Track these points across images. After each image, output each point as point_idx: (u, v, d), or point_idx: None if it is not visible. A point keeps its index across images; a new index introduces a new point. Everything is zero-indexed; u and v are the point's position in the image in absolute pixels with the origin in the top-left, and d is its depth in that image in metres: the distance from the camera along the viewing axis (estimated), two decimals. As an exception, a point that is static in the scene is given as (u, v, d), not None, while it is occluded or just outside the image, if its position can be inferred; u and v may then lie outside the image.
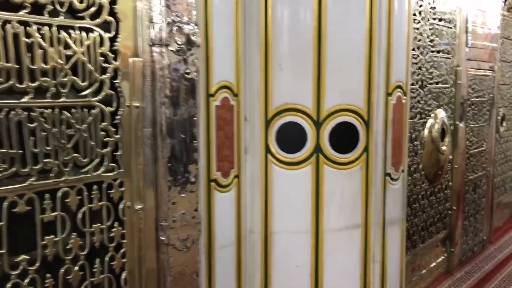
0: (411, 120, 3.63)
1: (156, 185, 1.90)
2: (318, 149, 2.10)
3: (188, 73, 1.91)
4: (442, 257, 4.32)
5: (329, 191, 2.12)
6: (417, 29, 3.63)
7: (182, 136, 1.92)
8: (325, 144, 2.10)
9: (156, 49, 1.84)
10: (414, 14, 3.58)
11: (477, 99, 4.61)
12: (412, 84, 3.63)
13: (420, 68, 3.70)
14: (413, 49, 3.60)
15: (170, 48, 1.86)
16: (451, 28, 4.10)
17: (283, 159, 2.12)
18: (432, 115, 3.93)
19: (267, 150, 2.14)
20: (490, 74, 4.84)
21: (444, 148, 4.01)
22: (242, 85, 2.15)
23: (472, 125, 4.57)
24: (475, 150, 4.68)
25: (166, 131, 1.88)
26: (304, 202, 2.12)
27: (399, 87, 2.21)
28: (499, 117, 5.21)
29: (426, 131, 3.86)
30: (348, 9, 2.06)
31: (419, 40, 3.66)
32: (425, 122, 3.85)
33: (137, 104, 1.82)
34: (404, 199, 2.43)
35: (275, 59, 2.09)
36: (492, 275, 4.43)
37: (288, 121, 2.10)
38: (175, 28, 1.86)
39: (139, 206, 1.86)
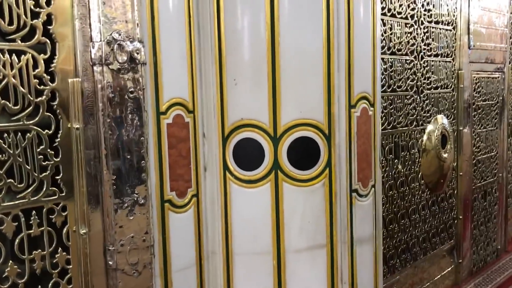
0: (406, 128, 3.48)
1: (102, 208, 1.84)
2: (276, 166, 2.00)
3: (132, 92, 1.84)
4: (449, 269, 4.12)
5: (290, 209, 2.01)
6: (410, 33, 3.48)
7: (128, 156, 1.85)
8: (284, 160, 1.99)
9: (96, 68, 1.78)
10: (406, 18, 3.43)
11: (484, 102, 4.40)
12: (406, 90, 3.47)
13: (415, 73, 3.54)
14: (406, 54, 3.45)
15: (111, 67, 1.79)
16: (450, 30, 3.92)
17: (241, 176, 2.03)
18: (432, 121, 3.76)
19: (225, 167, 2.05)
20: (499, 75, 4.62)
21: (445, 155, 3.83)
22: (198, 101, 2.07)
23: (479, 130, 4.36)
24: (484, 156, 4.46)
25: (111, 152, 1.81)
26: (264, 221, 2.01)
27: (364, 98, 2.09)
28: (511, 121, 4.96)
29: (425, 138, 3.69)
30: (303, 18, 1.95)
31: (413, 45, 3.51)
32: (424, 129, 3.69)
33: (78, 126, 1.76)
34: (379, 215, 2.30)
35: (229, 73, 2.00)
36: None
37: (245, 137, 2.00)
38: (116, 46, 1.80)
39: (84, 231, 1.80)
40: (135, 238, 1.88)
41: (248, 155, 2.02)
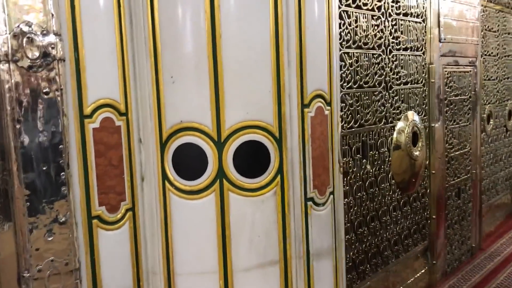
0: (374, 126, 3.24)
1: (14, 228, 1.56)
2: (221, 174, 1.74)
3: (47, 93, 1.56)
4: (423, 271, 3.91)
5: (237, 223, 1.75)
6: (377, 26, 3.24)
7: (44, 168, 1.57)
8: (229, 168, 1.73)
9: (2, 66, 1.50)
10: (372, 10, 3.19)
11: (456, 97, 4.20)
12: (374, 86, 3.24)
13: (383, 68, 3.31)
14: (373, 48, 3.21)
15: (20, 64, 1.51)
16: (420, 22, 3.70)
17: (182, 187, 1.76)
18: (402, 118, 3.54)
19: (164, 177, 1.78)
20: (471, 70, 4.42)
21: (417, 153, 3.61)
22: (133, 102, 1.80)
23: (452, 126, 4.16)
24: (457, 153, 4.26)
25: (23, 164, 1.53)
26: (209, 237, 1.75)
27: (319, 96, 1.83)
28: (484, 115, 4.77)
29: (395, 136, 3.47)
30: (247, 6, 1.68)
31: (380, 38, 3.27)
32: (394, 127, 3.46)
33: (-20, 134, 1.48)
34: (340, 224, 2.05)
35: (166, 69, 1.73)
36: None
37: (185, 142, 1.74)
38: (25, 40, 1.51)
39: (-7, 256, 1.52)
40: (56, 262, 1.60)
41: (189, 162, 1.76)
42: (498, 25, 5.02)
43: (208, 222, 1.75)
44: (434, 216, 3.96)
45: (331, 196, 1.93)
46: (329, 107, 1.89)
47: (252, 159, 1.75)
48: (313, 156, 1.82)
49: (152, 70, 1.75)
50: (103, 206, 1.72)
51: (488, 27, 4.79)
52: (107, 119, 1.71)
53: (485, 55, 4.75)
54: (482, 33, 4.65)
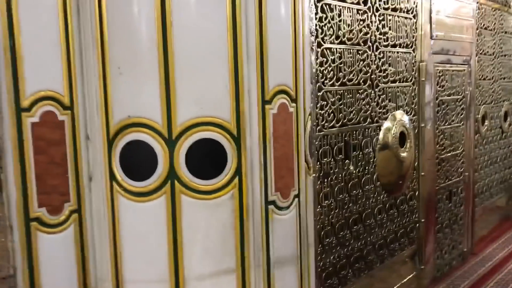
0: (358, 125, 3.08)
1: None
2: (172, 175, 1.59)
3: (-24, 83, 1.41)
4: (410, 276, 3.75)
5: (190, 228, 1.60)
6: (363, 21, 3.08)
7: (-27, 166, 1.42)
8: (182, 168, 1.58)
9: None
10: (358, 3, 3.03)
11: (448, 97, 4.03)
12: (358, 84, 3.08)
13: (368, 65, 3.15)
14: (358, 44, 3.05)
15: None
16: (410, 18, 3.53)
17: (131, 188, 1.61)
18: (389, 117, 3.37)
19: (112, 177, 1.64)
20: (465, 68, 4.25)
21: (404, 154, 3.45)
22: (79, 95, 1.65)
23: (444, 127, 3.99)
24: (449, 154, 4.09)
25: None
26: (159, 243, 1.61)
27: (282, 92, 1.68)
28: (478, 116, 4.60)
29: (380, 136, 3.31)
30: (200, -8, 1.54)
31: (366, 34, 3.11)
32: (380, 126, 3.30)
33: None
34: (309, 229, 1.90)
35: (113, 60, 1.58)
36: (469, 294, 3.85)
37: (134, 140, 1.59)
38: (-50, 24, 1.37)
39: None
40: (-14, 269, 1.46)
41: (137, 162, 1.61)
42: (495, 24, 4.84)
43: (158, 226, 1.61)
44: (423, 220, 3.80)
45: (296, 199, 1.78)
46: (294, 104, 1.74)
47: (207, 159, 1.60)
48: (275, 157, 1.67)
49: (99, 61, 1.61)
50: (44, 207, 1.57)
51: (484, 25, 4.62)
52: (48, 113, 1.57)
53: (481, 54, 4.58)
54: (478, 31, 4.48)
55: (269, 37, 1.63)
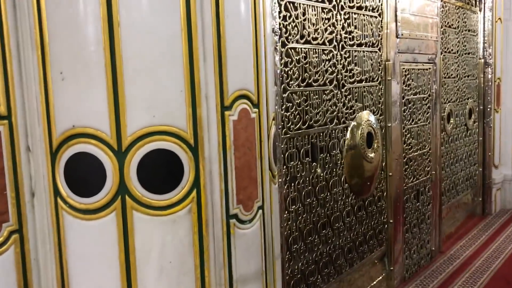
0: (324, 127, 2.98)
1: None
2: (123, 189, 1.44)
3: None
4: (380, 278, 3.69)
5: (144, 247, 1.45)
6: (328, 19, 2.98)
7: None
8: (133, 182, 1.43)
9: None
10: (323, 2, 2.93)
11: (414, 96, 3.98)
12: (324, 85, 2.98)
13: (334, 65, 3.05)
14: (323, 43, 2.95)
15: None
16: (376, 17, 3.45)
17: (77, 205, 1.45)
18: (355, 118, 3.29)
19: (57, 192, 1.48)
20: (430, 67, 4.22)
21: (371, 155, 3.38)
22: (17, 103, 1.48)
23: (410, 126, 3.94)
24: (416, 153, 4.05)
25: None
26: (110, 264, 1.45)
27: (243, 97, 1.55)
28: (444, 114, 4.59)
29: (347, 137, 3.22)
30: (150, -11, 1.39)
31: (331, 33, 3.01)
32: (347, 127, 3.21)
33: None
34: (274, 242, 1.78)
35: (54, 64, 1.42)
36: (438, 293, 3.82)
37: (79, 152, 1.43)
38: None
39: None
40: None
41: (84, 176, 1.45)
42: (459, 22, 4.84)
43: (108, 246, 1.45)
44: (391, 220, 3.74)
45: (260, 210, 1.65)
46: (256, 109, 1.61)
47: (161, 172, 1.46)
48: (236, 166, 1.54)
49: (40, 65, 1.44)
50: (-23, 229, 1.40)
51: (448, 23, 4.60)
52: (-20, 124, 1.39)
53: (445, 52, 4.56)
54: (442, 29, 4.45)
55: (228, 37, 1.49)
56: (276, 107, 2.52)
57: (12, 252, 1.48)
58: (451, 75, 4.75)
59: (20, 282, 1.50)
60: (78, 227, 1.47)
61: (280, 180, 2.58)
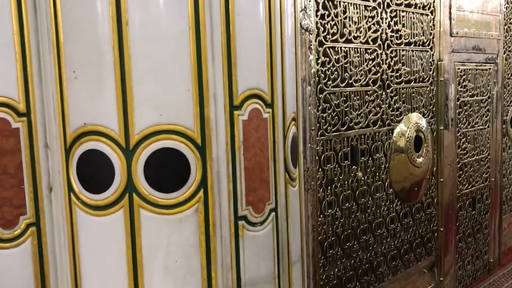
0: (367, 129, 2.87)
1: None
2: (131, 187, 1.44)
3: None
4: (428, 288, 3.50)
5: (150, 245, 1.45)
6: (371, 17, 2.86)
7: None
8: (140, 180, 1.44)
9: None
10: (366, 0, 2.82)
11: (471, 98, 3.74)
12: (367, 85, 2.86)
13: (379, 65, 2.93)
14: (366, 42, 2.84)
15: None
16: (427, 15, 3.28)
17: (88, 201, 1.48)
18: (402, 120, 3.14)
19: (70, 188, 1.51)
20: (491, 67, 3.94)
21: (420, 159, 3.21)
22: (37, 101, 1.53)
23: (466, 130, 3.70)
24: (472, 159, 3.80)
25: None
26: (118, 261, 1.46)
27: (255, 96, 1.51)
28: (507, 118, 4.28)
29: (393, 141, 3.08)
30: (158, -12, 1.38)
31: (376, 31, 2.89)
32: (392, 130, 3.07)
33: None
34: (293, 246, 1.72)
35: (68, 63, 1.45)
36: (493, 309, 3.56)
37: (90, 149, 1.45)
38: None
39: None
40: None
41: (94, 173, 1.48)
42: (526, 19, 4.49)
43: (116, 243, 1.47)
44: (442, 229, 3.53)
45: (273, 213, 1.60)
46: (270, 109, 1.56)
47: (167, 171, 1.45)
48: (246, 167, 1.50)
49: (56, 64, 1.48)
50: (-4, 221, 1.46)
51: (513, 21, 4.28)
52: (0, 120, 1.45)
53: (509, 51, 4.25)
54: (506, 27, 4.15)
55: (238, 36, 1.46)
56: (310, 107, 2.45)
57: (29, 244, 1.53)
58: (516, 76, 4.42)
59: (37, 274, 1.55)
60: (89, 222, 1.49)
61: (313, 183, 2.51)
